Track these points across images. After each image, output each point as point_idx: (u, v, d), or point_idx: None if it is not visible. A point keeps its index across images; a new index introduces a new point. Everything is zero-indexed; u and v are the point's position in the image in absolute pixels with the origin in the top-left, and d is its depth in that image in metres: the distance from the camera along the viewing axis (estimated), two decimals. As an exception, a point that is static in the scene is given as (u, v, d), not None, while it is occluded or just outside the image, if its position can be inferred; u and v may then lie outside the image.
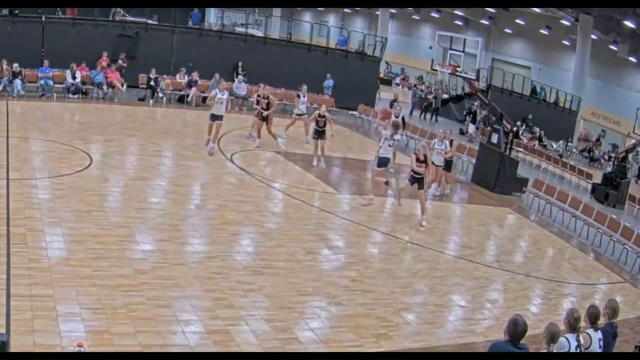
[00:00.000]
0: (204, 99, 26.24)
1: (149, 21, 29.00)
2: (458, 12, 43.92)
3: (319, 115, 18.61)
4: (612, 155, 32.30)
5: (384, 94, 37.40)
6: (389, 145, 15.28)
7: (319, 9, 54.30)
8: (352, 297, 10.12)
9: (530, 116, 35.57)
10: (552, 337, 6.64)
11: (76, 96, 23.26)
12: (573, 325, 7.01)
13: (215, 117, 17.51)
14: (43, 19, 24.79)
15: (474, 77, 38.16)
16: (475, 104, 33.66)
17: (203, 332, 8.17)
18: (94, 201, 12.33)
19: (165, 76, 25.90)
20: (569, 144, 35.15)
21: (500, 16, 42.57)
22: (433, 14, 46.77)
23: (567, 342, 6.86)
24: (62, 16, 26.65)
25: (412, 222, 15.20)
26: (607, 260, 15.46)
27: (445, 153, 17.85)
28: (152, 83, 24.92)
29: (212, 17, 38.79)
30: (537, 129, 34.54)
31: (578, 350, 6.89)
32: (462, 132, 32.86)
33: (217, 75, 26.20)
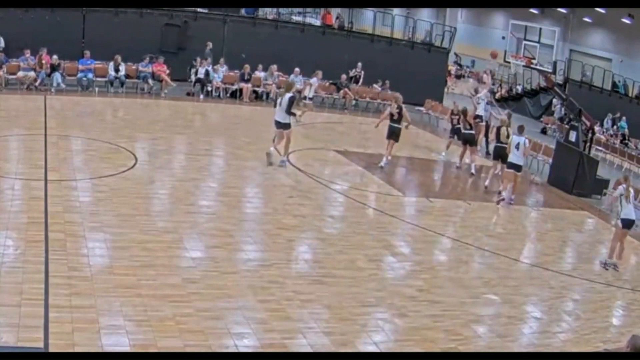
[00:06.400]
0: (256, 93, 26.37)
1: (199, 9, 29.12)
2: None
3: None
4: None
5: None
6: None
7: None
8: (419, 309, 9.98)
9: (618, 114, 35.09)
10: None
11: (120, 90, 23.57)
12: None
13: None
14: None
15: (550, 70, 37.69)
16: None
17: (257, 346, 8.07)
18: (139, 204, 12.40)
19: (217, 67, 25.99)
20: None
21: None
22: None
23: None
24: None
25: (483, 227, 15.04)
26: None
27: None
28: (201, 76, 25.09)
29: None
30: (624, 126, 34.03)
31: None
32: (543, 132, 32.35)
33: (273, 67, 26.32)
